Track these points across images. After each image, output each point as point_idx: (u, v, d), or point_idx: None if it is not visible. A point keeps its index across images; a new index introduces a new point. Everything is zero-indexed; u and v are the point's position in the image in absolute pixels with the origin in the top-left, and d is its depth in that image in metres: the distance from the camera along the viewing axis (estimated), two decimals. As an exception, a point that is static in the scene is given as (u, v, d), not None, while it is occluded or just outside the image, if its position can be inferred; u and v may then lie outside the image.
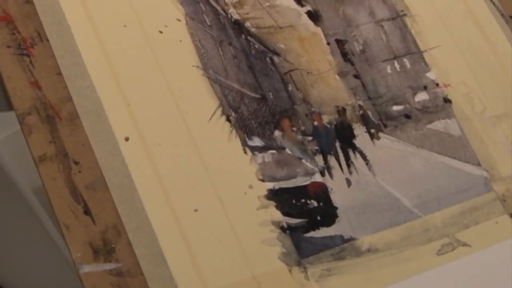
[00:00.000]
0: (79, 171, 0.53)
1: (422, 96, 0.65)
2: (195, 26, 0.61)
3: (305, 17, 0.65)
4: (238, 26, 0.62)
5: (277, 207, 0.56)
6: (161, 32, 0.59)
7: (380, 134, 0.62)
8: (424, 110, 0.64)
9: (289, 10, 0.65)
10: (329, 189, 0.58)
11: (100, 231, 0.52)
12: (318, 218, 0.57)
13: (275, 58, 0.62)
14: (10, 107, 0.56)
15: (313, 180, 0.58)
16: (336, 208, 0.58)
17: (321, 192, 0.58)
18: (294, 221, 0.56)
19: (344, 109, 0.62)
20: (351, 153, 0.60)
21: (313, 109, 0.61)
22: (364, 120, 0.62)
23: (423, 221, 0.60)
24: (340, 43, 0.65)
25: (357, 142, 0.61)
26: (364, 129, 0.62)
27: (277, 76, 0.61)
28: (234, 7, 0.63)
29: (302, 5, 0.65)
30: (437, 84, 0.66)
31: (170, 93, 0.57)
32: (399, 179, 0.61)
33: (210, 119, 0.58)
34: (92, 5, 0.58)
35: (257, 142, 0.58)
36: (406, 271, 0.57)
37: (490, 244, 0.60)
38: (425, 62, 0.67)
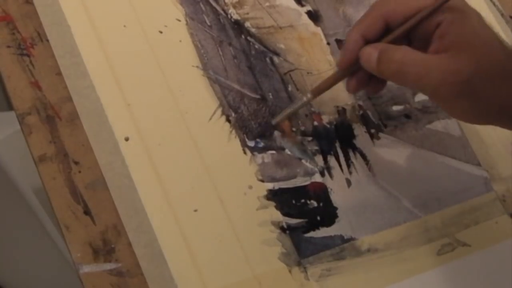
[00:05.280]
0: (79, 171, 0.53)
1: (422, 96, 0.65)
2: (195, 26, 0.61)
3: (305, 17, 0.65)
4: (238, 26, 0.62)
5: (277, 207, 0.56)
6: (161, 32, 0.59)
7: (380, 134, 0.62)
8: (424, 110, 0.64)
9: (289, 10, 0.65)
10: (329, 189, 0.58)
11: (100, 231, 0.52)
12: (318, 218, 0.57)
13: (275, 58, 0.62)
14: (10, 107, 0.56)
15: (313, 180, 0.58)
16: (336, 208, 0.58)
17: (321, 192, 0.58)
18: (294, 221, 0.56)
19: (344, 109, 0.62)
20: (351, 153, 0.60)
21: (313, 109, 0.61)
22: (364, 120, 0.62)
23: (423, 221, 0.60)
24: (340, 43, 0.65)
25: (357, 142, 0.61)
26: (364, 129, 0.62)
27: (277, 76, 0.61)
28: (234, 7, 0.63)
29: (302, 5, 0.65)
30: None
31: (170, 93, 0.57)
32: (399, 179, 0.61)
33: (210, 119, 0.58)
34: (92, 5, 0.58)
35: (256, 142, 0.58)
36: (406, 271, 0.57)
37: (490, 244, 0.60)
38: (425, 62, 0.66)
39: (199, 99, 0.58)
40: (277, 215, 0.56)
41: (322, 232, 0.57)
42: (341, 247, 0.57)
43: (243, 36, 0.62)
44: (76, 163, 0.53)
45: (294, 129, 0.60)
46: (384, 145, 0.62)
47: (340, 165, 0.59)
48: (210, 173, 0.55)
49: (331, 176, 0.59)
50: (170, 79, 0.58)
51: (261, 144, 0.58)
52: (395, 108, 0.64)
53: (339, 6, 0.67)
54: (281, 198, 0.57)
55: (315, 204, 0.57)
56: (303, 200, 0.57)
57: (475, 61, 0.47)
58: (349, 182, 0.59)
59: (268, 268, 0.54)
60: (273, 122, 0.59)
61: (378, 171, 0.60)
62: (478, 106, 0.48)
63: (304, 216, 0.57)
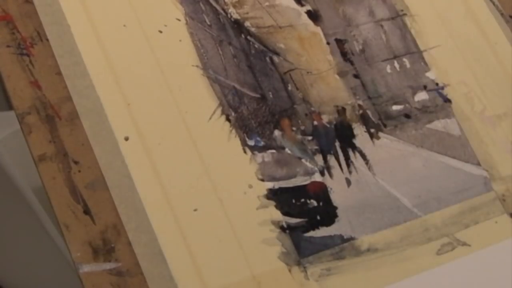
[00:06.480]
0: (79, 171, 0.53)
1: (421, 96, 0.65)
2: (194, 25, 0.61)
3: (305, 17, 0.65)
4: (238, 25, 0.62)
5: (276, 206, 0.56)
6: (160, 31, 0.59)
7: (380, 134, 0.62)
8: (424, 110, 0.64)
9: (289, 10, 0.65)
10: (328, 189, 0.58)
11: (100, 230, 0.52)
12: (318, 217, 0.57)
13: (275, 58, 0.62)
14: (10, 106, 0.56)
15: (312, 179, 0.58)
16: (335, 207, 0.58)
17: (321, 192, 0.58)
18: (293, 220, 0.56)
19: (343, 109, 0.62)
20: (350, 153, 0.60)
21: (312, 108, 0.61)
22: (364, 119, 0.62)
23: (423, 220, 0.60)
24: (340, 42, 0.65)
25: (357, 141, 0.61)
26: (364, 128, 0.62)
27: (277, 75, 0.61)
28: (234, 6, 0.63)
29: (302, 5, 0.65)
30: (437, 84, 0.66)
31: (170, 92, 0.57)
32: (399, 179, 0.61)
33: (210, 118, 0.58)
34: (92, 5, 0.58)
35: (257, 141, 0.58)
36: (406, 271, 0.57)
37: (489, 243, 0.60)
38: (424, 62, 0.67)
39: (199, 98, 0.58)
40: (277, 215, 0.56)
41: (322, 232, 0.57)
42: (341, 246, 0.57)
43: (243, 36, 0.62)
44: (76, 162, 0.53)
45: (294, 128, 0.60)
46: (384, 144, 0.62)
47: (340, 165, 0.59)
48: (210, 173, 0.55)
49: (331, 175, 0.59)
50: (170, 79, 0.58)
51: (261, 143, 0.58)
52: (395, 107, 0.64)
53: (339, 5, 0.67)
54: (281, 198, 0.57)
55: (315, 203, 0.57)
56: (303, 200, 0.57)
57: None
58: (348, 182, 0.59)
59: (267, 268, 0.54)
60: None
61: (378, 170, 0.60)
62: None
63: (304, 216, 0.57)
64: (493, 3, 0.72)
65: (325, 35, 0.65)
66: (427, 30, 0.68)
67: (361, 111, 0.62)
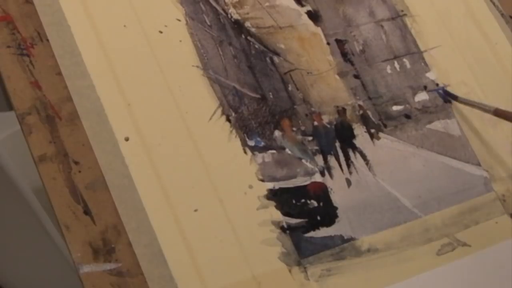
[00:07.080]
0: (79, 171, 0.53)
1: (422, 96, 0.65)
2: (195, 26, 0.61)
3: (305, 17, 0.65)
4: (238, 26, 0.62)
5: (277, 207, 0.56)
6: (161, 32, 0.59)
7: (380, 134, 0.62)
8: (424, 110, 0.64)
9: (289, 10, 0.65)
10: (329, 189, 0.58)
11: (100, 231, 0.52)
12: (318, 218, 0.57)
13: (275, 58, 0.62)
14: (10, 107, 0.56)
15: (313, 180, 0.58)
16: (336, 208, 0.58)
17: (321, 192, 0.58)
18: (294, 221, 0.56)
19: (344, 109, 0.62)
20: (351, 153, 0.60)
21: (313, 109, 0.61)
22: (364, 120, 0.62)
23: (423, 221, 0.60)
24: (340, 43, 0.65)
25: (357, 142, 0.61)
26: (364, 129, 0.62)
27: (277, 76, 0.61)
28: (234, 7, 0.63)
29: (302, 5, 0.65)
30: (437, 84, 0.66)
31: (170, 93, 0.57)
32: (399, 179, 0.61)
33: (210, 119, 0.58)
34: (92, 5, 0.58)
35: (257, 142, 0.58)
36: (406, 271, 0.57)
37: (490, 244, 0.60)
38: (425, 62, 0.67)
39: (199, 99, 0.58)
40: (277, 215, 0.56)
41: (322, 232, 0.57)
42: (341, 247, 0.57)
43: (243, 36, 0.62)
44: (76, 163, 0.53)
45: (294, 128, 0.60)
46: (384, 145, 0.62)
47: (340, 165, 0.59)
48: (210, 173, 0.55)
49: (331, 176, 0.59)
50: (170, 79, 0.58)
51: (262, 144, 0.58)
52: (395, 108, 0.64)
53: (339, 6, 0.67)
54: (281, 198, 0.57)
55: (315, 204, 0.57)
56: (303, 200, 0.57)
57: None
58: (349, 182, 0.59)
59: (268, 268, 0.54)
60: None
61: (378, 171, 0.60)
62: None
63: (304, 216, 0.57)
64: (493, 3, 0.72)
65: (325, 35, 0.65)
66: (427, 31, 0.68)
67: (361, 112, 0.62)
